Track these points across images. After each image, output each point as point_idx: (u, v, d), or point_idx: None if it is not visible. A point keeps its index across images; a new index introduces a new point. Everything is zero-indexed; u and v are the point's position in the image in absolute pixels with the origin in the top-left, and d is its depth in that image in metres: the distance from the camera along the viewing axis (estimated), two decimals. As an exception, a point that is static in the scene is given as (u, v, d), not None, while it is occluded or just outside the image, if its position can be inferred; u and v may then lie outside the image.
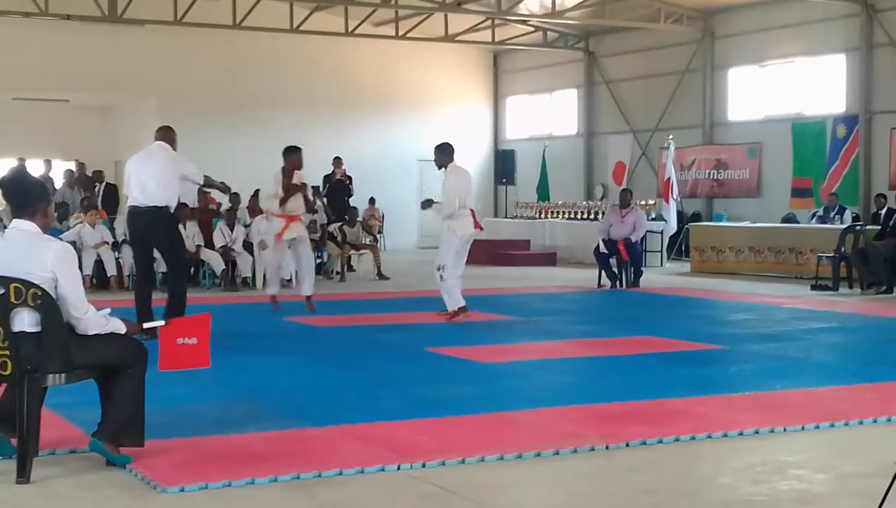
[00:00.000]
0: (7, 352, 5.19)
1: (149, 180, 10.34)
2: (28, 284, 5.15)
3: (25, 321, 5.21)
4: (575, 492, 5.11)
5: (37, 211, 5.40)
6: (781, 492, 5.08)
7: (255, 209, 17.70)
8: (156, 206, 10.34)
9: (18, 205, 5.41)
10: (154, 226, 10.43)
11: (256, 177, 21.77)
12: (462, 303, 12.08)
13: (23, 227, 5.36)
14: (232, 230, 16.94)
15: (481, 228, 13.14)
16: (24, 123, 27.02)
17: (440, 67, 29.15)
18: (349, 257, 19.14)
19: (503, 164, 26.91)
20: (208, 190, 12.63)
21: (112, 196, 20.86)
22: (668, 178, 21.88)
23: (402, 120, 28.59)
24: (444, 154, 12.04)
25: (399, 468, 5.41)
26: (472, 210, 12.19)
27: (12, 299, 5.15)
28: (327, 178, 21.33)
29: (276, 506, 4.81)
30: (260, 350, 9.90)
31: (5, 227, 5.51)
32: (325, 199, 19.85)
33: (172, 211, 10.65)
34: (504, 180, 26.76)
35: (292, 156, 12.55)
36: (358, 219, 19.95)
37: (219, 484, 5.07)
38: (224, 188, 11.66)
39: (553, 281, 17.77)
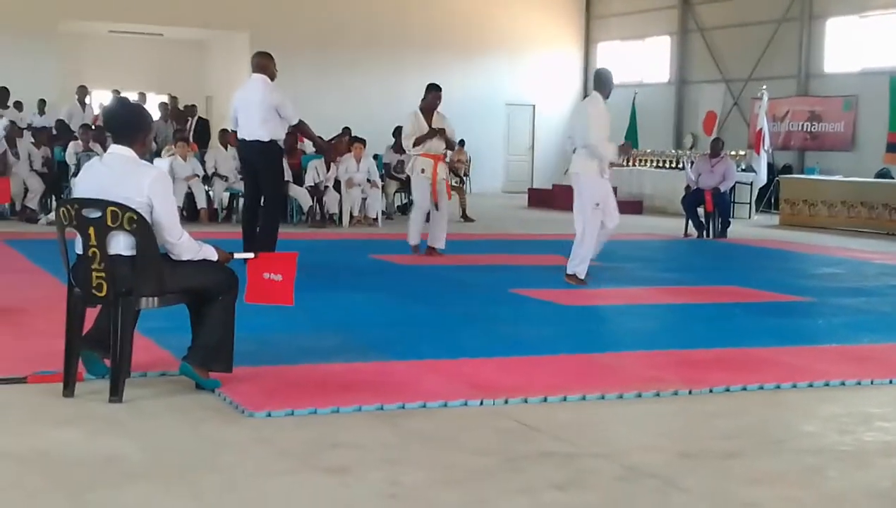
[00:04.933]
0: (103, 274, 5.31)
1: (252, 115, 10.57)
2: (125, 208, 5.24)
3: (121, 244, 5.31)
4: (657, 434, 5.11)
5: (136, 138, 5.50)
6: (866, 443, 5.04)
7: (342, 148, 17.85)
8: (260, 140, 10.58)
9: (119, 132, 5.52)
10: (260, 159, 10.68)
11: (346, 115, 22.02)
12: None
13: (121, 153, 5.47)
14: (328, 169, 17.03)
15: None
16: (120, 56, 27.38)
17: (532, 10, 28.90)
18: (435, 198, 19.15)
19: (592, 111, 26.60)
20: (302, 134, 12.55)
21: (203, 130, 21.11)
22: (760, 129, 21.52)
23: (491, 63, 28.44)
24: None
25: (482, 403, 5.45)
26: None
27: (109, 222, 5.25)
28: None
29: (360, 434, 4.88)
30: (345, 285, 10.00)
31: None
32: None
33: (281, 143, 10.92)
34: (592, 126, 26.48)
35: (431, 94, 12.30)
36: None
37: (304, 411, 5.15)
38: (319, 143, 11.97)
39: (639, 229, 17.64)
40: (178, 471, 4.35)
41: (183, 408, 5.27)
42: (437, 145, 12.22)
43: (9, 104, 20.06)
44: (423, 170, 12.19)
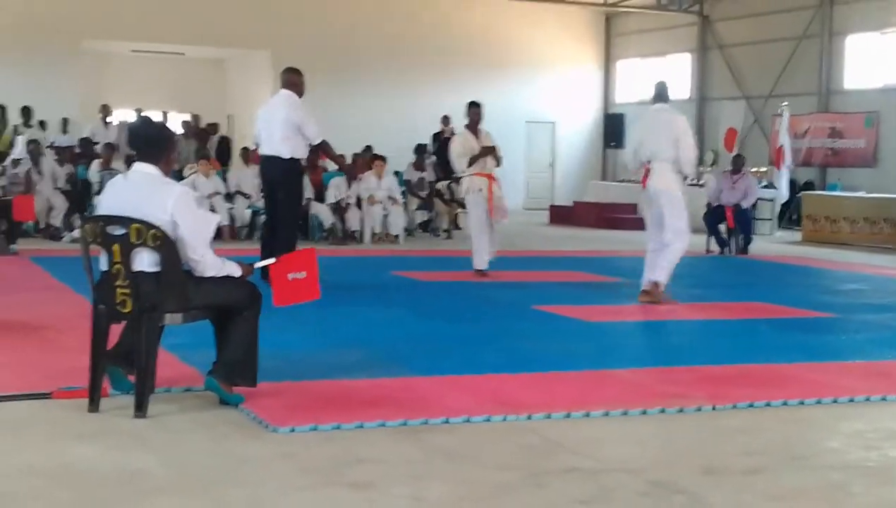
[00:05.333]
0: (127, 291, 5.34)
1: (273, 131, 10.55)
2: (149, 225, 5.27)
3: (145, 261, 5.34)
4: (680, 450, 5.10)
5: (160, 156, 5.54)
6: (892, 459, 5.02)
7: (363, 166, 17.88)
8: (280, 157, 10.52)
9: (143, 149, 5.56)
10: (278, 175, 10.61)
11: (367, 132, 22.06)
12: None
13: (145, 170, 5.51)
14: (349, 187, 17.06)
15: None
16: (142, 75, 27.52)
17: (552, 28, 28.93)
18: (456, 215, 19.20)
19: (612, 128, 26.68)
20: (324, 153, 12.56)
21: (225, 148, 21.20)
22: (781, 146, 21.48)
23: (511, 80, 28.42)
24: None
25: (505, 419, 5.44)
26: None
27: (133, 239, 5.29)
28: (436, 136, 21.40)
29: (384, 449, 4.88)
30: (368, 302, 10.01)
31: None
32: (433, 157, 19.92)
33: (303, 161, 10.89)
34: (613, 144, 26.57)
35: (472, 111, 12.34)
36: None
37: (328, 427, 5.16)
38: (342, 164, 11.91)
39: (660, 246, 17.56)
40: (201, 486, 4.36)
41: (207, 424, 5.28)
42: (490, 164, 12.15)
43: (32, 123, 20.21)
44: (480, 190, 12.06)
